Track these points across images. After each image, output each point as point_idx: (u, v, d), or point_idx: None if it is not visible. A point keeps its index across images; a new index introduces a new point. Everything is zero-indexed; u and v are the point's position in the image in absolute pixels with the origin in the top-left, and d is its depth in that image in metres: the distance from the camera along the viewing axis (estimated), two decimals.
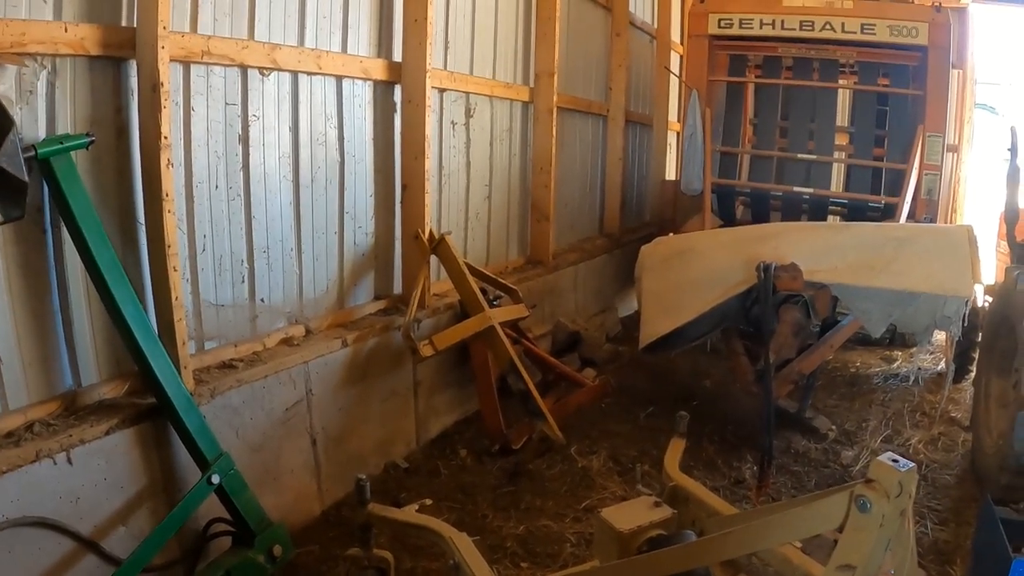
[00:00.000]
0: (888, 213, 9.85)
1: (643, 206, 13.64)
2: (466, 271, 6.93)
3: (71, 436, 4.10)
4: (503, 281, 7.61)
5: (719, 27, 10.88)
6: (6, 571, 3.78)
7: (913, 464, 2.82)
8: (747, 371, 7.35)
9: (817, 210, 10.60)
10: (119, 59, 4.53)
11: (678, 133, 14.31)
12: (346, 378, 6.13)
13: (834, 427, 7.42)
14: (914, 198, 9.69)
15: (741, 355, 7.57)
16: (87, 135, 4.20)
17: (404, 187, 6.96)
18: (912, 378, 9.26)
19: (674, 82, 13.90)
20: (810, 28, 10.36)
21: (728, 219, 10.77)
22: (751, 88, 11.59)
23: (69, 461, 4.09)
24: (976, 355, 8.07)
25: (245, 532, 4.74)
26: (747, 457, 6.82)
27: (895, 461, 2.81)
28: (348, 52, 6.32)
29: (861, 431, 7.53)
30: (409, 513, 5.02)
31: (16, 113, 3.95)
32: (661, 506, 4.18)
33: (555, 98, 9.27)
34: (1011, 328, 6.44)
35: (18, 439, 3.98)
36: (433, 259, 7.03)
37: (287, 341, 5.84)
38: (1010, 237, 7.71)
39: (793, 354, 7.09)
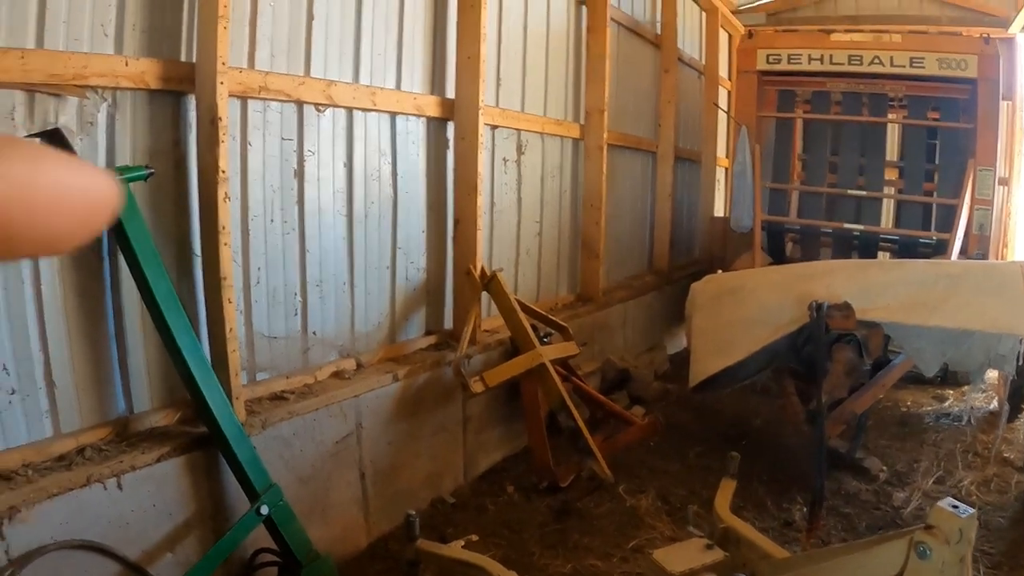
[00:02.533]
0: (939, 249, 9.72)
1: (692, 243, 13.52)
2: (517, 308, 6.87)
3: (122, 462, 4.10)
4: (554, 318, 7.54)
5: (768, 63, 10.89)
6: None
7: (973, 510, 2.73)
8: (798, 411, 7.21)
9: (867, 246, 10.49)
10: (178, 93, 4.58)
11: (726, 169, 14.29)
12: (396, 412, 6.08)
13: (885, 468, 7.22)
14: (965, 233, 9.57)
15: (792, 395, 7.44)
16: (146, 167, 4.25)
17: (456, 223, 6.94)
18: (965, 418, 8.98)
19: (722, 118, 13.87)
20: (859, 63, 10.33)
21: (778, 256, 10.69)
22: (799, 123, 11.47)
23: (119, 487, 4.08)
24: None
25: (292, 563, 4.69)
26: (797, 498, 6.64)
27: (955, 507, 2.73)
28: (402, 89, 6.34)
29: (912, 472, 7.31)
30: (457, 550, 4.95)
31: (77, 144, 4.00)
32: (713, 548, 4.10)
33: (605, 135, 9.23)
34: None
35: (69, 463, 3.98)
36: (484, 294, 6.97)
37: (338, 374, 5.80)
38: None
39: (845, 394, 6.94)
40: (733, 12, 14.92)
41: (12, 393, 3.87)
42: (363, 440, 5.78)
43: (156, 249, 4.22)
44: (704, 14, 13.71)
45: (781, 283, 7.53)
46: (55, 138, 3.83)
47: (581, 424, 6.62)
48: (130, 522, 4.14)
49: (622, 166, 10.44)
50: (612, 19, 9.43)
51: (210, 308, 4.72)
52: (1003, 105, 10.11)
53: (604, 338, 9.51)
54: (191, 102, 4.62)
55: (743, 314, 7.38)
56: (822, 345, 6.59)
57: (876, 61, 10.26)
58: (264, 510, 4.48)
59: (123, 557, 4.06)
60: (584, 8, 9.11)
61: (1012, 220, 12.15)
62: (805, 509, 6.34)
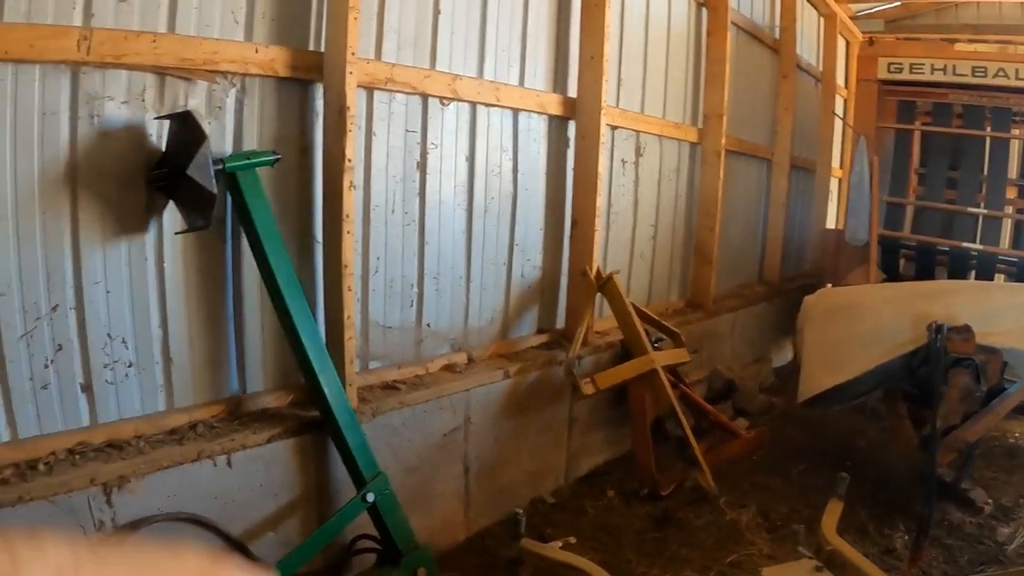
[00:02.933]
0: None
1: (802, 254, 13.03)
2: (632, 311, 6.67)
3: (233, 440, 4.12)
4: (667, 324, 7.31)
5: (889, 71, 10.50)
6: None
7: None
8: (909, 435, 6.85)
9: (985, 267, 9.98)
10: (306, 81, 4.56)
11: (840, 179, 13.85)
12: (504, 409, 5.95)
13: (991, 501, 6.78)
14: None
15: (904, 418, 7.06)
16: (273, 153, 4.25)
17: (574, 223, 6.78)
18: None
19: (838, 126, 13.42)
20: (983, 75, 9.88)
21: (891, 272, 10.27)
22: (918, 136, 10.94)
23: (229, 464, 4.10)
24: None
25: (392, 551, 4.62)
26: (899, 525, 6.26)
27: None
28: (525, 85, 6.22)
29: (1018, 508, 6.79)
30: (560, 552, 4.85)
31: (206, 127, 3.95)
32: (823, 572, 3.91)
33: (723, 140, 8.94)
34: None
35: (181, 437, 4.03)
36: (597, 296, 6.80)
37: (450, 367, 5.73)
38: None
39: (958, 420, 6.55)
40: (851, 18, 14.45)
41: (129, 366, 3.92)
42: (470, 434, 5.67)
43: (279, 233, 4.22)
44: (822, 19, 13.18)
45: (898, 301, 7.20)
46: (185, 121, 3.82)
47: (689, 433, 6.41)
48: (236, 499, 4.15)
49: (737, 172, 10.10)
50: (732, 22, 9.13)
51: (329, 295, 4.70)
52: None
53: (712, 346, 9.23)
54: (318, 91, 4.60)
55: (857, 331, 7.07)
56: (939, 368, 6.25)
57: (1001, 73, 9.79)
58: (370, 497, 4.44)
59: (226, 532, 4.08)
60: (705, 10, 8.84)
61: None
62: (907, 537, 6.02)
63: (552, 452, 6.59)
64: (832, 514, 5.60)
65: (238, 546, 4.13)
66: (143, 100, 3.84)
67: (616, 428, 7.22)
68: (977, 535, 6.27)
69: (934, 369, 6.21)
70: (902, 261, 10.70)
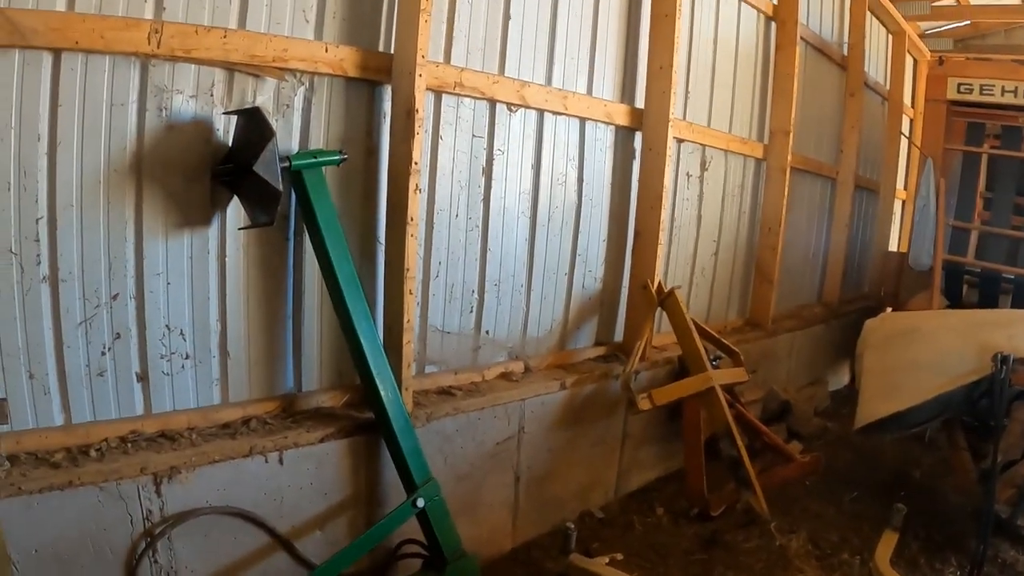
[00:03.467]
0: None
1: (862, 277, 12.69)
2: (693, 328, 6.53)
3: (286, 438, 4.12)
4: (726, 342, 7.15)
5: (958, 92, 10.24)
6: (199, 554, 3.82)
7: None
8: (969, 468, 6.62)
9: None
10: (374, 82, 4.55)
11: (903, 201, 13.57)
12: (559, 420, 5.85)
13: None
14: None
15: (963, 450, 6.83)
16: (340, 152, 4.25)
17: (637, 235, 6.66)
18: None
19: (903, 147, 13.16)
20: None
21: (954, 299, 10.00)
22: (986, 159, 10.65)
23: (280, 461, 4.10)
24: None
25: (437, 558, 4.58)
26: (952, 560, 6.04)
27: None
28: (593, 95, 6.13)
29: None
30: (607, 568, 4.75)
31: (274, 124, 3.96)
32: None
33: (789, 157, 8.73)
34: None
35: (234, 432, 4.05)
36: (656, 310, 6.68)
37: (506, 376, 5.65)
38: None
39: (1019, 455, 6.36)
40: (920, 36, 14.16)
41: (186, 358, 3.95)
42: (523, 444, 5.58)
43: (342, 233, 4.20)
44: (891, 37, 12.90)
45: (961, 329, 6.97)
46: (253, 117, 3.82)
47: (744, 454, 6.25)
48: (285, 496, 4.15)
49: (801, 191, 9.87)
50: (801, 37, 8.93)
51: (389, 297, 4.66)
52: None
53: (769, 367, 9.02)
54: (386, 92, 4.58)
55: (918, 358, 6.85)
56: (1003, 400, 6.05)
57: None
58: (420, 503, 4.41)
59: (272, 529, 4.09)
60: (774, 24, 8.65)
61: None
62: (959, 573, 5.83)
63: (603, 466, 6.48)
64: (886, 545, 5.44)
65: (285, 544, 4.14)
66: (211, 95, 3.85)
67: (669, 445, 7.08)
68: None
69: (997, 401, 5.98)
70: (965, 288, 10.39)
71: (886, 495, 6.36)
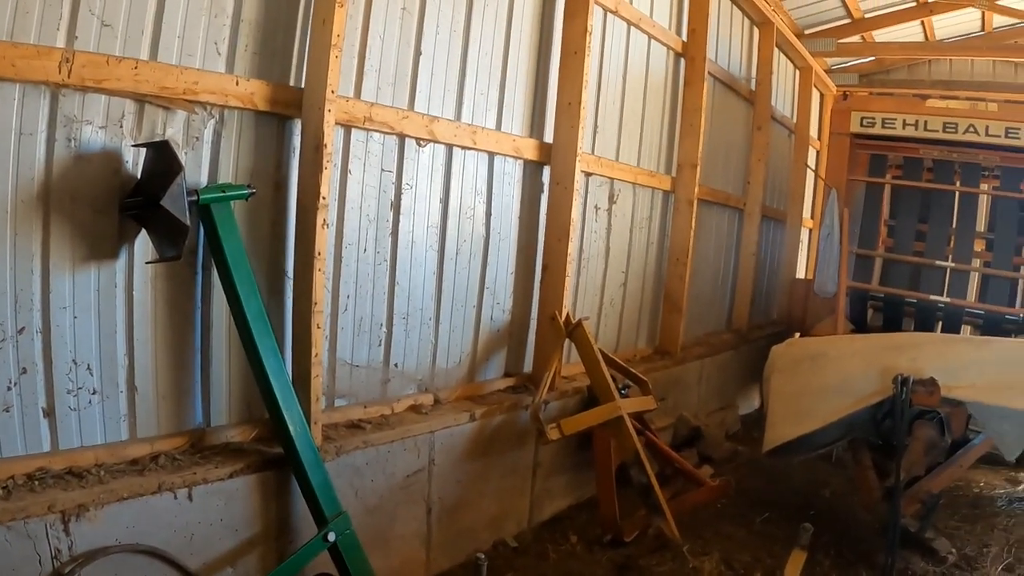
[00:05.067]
0: None
1: (771, 303, 13.18)
2: (600, 358, 6.72)
3: (195, 473, 4.10)
4: (634, 371, 7.35)
5: (861, 126, 10.71)
6: None
7: None
8: (874, 486, 6.91)
9: (951, 320, 10.17)
10: (284, 117, 4.62)
11: (810, 230, 14.00)
12: (469, 451, 5.95)
13: (954, 550, 6.82)
14: None
15: (869, 468, 7.13)
16: (248, 187, 4.30)
17: (545, 267, 6.84)
18: None
19: (809, 178, 13.61)
20: (953, 130, 10.13)
21: (859, 323, 10.43)
22: (888, 189, 11.15)
23: (189, 498, 4.07)
24: None
25: None
26: (863, 575, 6.38)
27: None
28: (502, 130, 6.31)
29: (982, 557, 6.87)
30: None
31: (182, 157, 3.99)
32: None
33: (696, 189, 9.07)
34: None
35: (143, 468, 4.01)
36: (565, 341, 6.83)
37: (416, 408, 5.73)
38: None
39: (922, 471, 6.64)
40: (826, 71, 14.69)
41: (93, 393, 3.91)
42: (433, 476, 5.66)
43: (250, 268, 4.24)
44: (798, 72, 13.47)
45: (865, 353, 7.32)
46: (162, 150, 3.85)
47: (654, 480, 6.43)
48: (195, 533, 4.13)
49: (709, 221, 10.24)
50: (709, 73, 9.30)
51: (297, 331, 4.70)
52: None
53: (679, 393, 9.27)
54: (296, 126, 4.66)
55: (824, 382, 7.17)
56: (904, 420, 6.35)
57: (971, 130, 10.02)
58: (331, 537, 4.44)
59: (183, 567, 4.05)
60: (683, 61, 9.00)
61: None
62: None
63: (516, 496, 6.59)
64: (795, 565, 5.64)
65: None
66: (121, 126, 3.86)
67: (580, 473, 7.23)
68: None
69: (899, 421, 6.33)
70: (870, 312, 10.86)
71: (796, 515, 6.59)
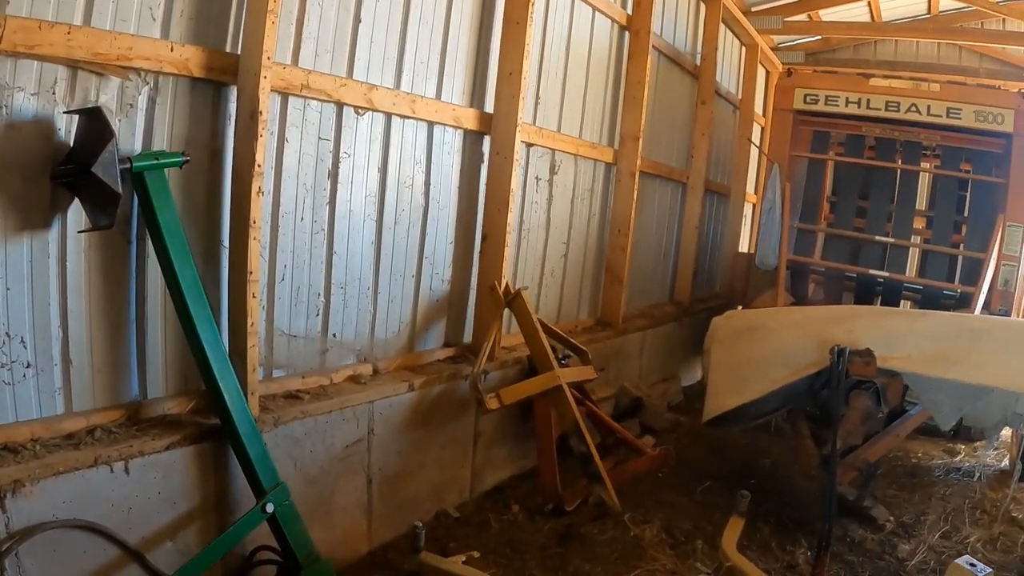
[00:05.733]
0: (963, 302, 9.71)
1: (714, 277, 13.40)
2: (539, 328, 6.81)
3: (131, 446, 4.09)
4: (573, 341, 7.47)
5: (805, 102, 10.90)
6: (48, 570, 3.75)
7: (990, 570, 2.64)
8: (811, 454, 7.12)
9: (891, 294, 10.45)
10: (220, 83, 4.58)
11: (754, 205, 14.19)
12: (409, 421, 6.01)
13: (892, 518, 7.05)
14: (990, 288, 9.52)
15: (806, 438, 7.33)
16: (182, 154, 4.27)
17: (484, 238, 6.89)
18: (975, 474, 8.79)
19: (754, 153, 13.78)
20: (895, 109, 10.36)
21: (800, 296, 10.63)
22: (831, 165, 11.44)
23: (126, 471, 4.07)
24: None
25: (291, 564, 4.66)
26: (802, 542, 6.52)
27: (972, 565, 2.66)
28: (442, 99, 6.32)
29: (919, 524, 7.13)
30: (460, 566, 4.89)
31: (115, 125, 3.98)
32: None
33: (638, 162, 9.17)
34: None
35: (78, 442, 3.99)
36: (505, 312, 6.91)
37: (354, 378, 5.76)
38: None
39: (859, 441, 6.85)
40: (772, 49, 14.87)
41: (27, 367, 3.88)
42: (373, 446, 5.72)
43: (184, 237, 4.23)
44: (744, 48, 13.65)
45: (803, 325, 7.47)
46: (94, 117, 3.81)
47: (593, 450, 6.55)
48: (133, 507, 4.13)
49: (651, 194, 10.37)
50: (654, 46, 9.38)
51: (233, 301, 4.70)
52: None
53: (620, 365, 9.42)
54: (232, 93, 4.63)
55: (762, 353, 7.30)
56: (840, 390, 6.51)
57: (913, 109, 10.25)
58: (269, 508, 4.47)
59: (122, 541, 4.05)
60: (627, 34, 9.07)
61: None
62: (810, 553, 6.27)
63: (457, 466, 6.67)
64: (732, 531, 5.76)
65: (135, 555, 4.11)
66: (54, 93, 3.82)
67: (522, 443, 7.33)
68: (878, 552, 6.57)
69: (835, 391, 6.48)
70: (811, 286, 11.11)
71: (737, 484, 6.71)
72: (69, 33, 3.75)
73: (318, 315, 5.49)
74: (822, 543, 5.95)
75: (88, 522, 3.89)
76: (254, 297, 4.64)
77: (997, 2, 12.83)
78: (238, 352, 4.65)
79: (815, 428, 7.35)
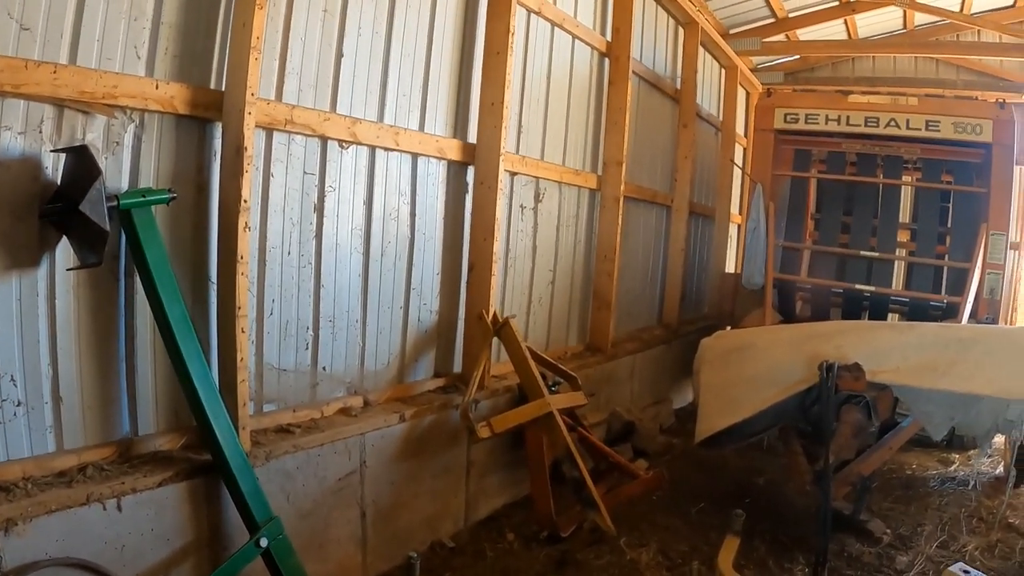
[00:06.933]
0: (950, 312, 9.77)
1: (702, 298, 13.51)
2: (528, 356, 6.85)
3: (123, 483, 4.09)
4: (563, 367, 7.51)
5: (785, 122, 11.01)
6: None
7: None
8: (805, 471, 7.14)
9: (878, 308, 10.51)
10: (205, 120, 4.64)
11: (739, 225, 14.31)
12: (401, 452, 6.03)
13: (889, 531, 7.08)
14: (976, 297, 9.60)
15: (799, 454, 7.36)
16: (169, 191, 4.31)
17: (471, 267, 6.94)
18: (970, 482, 8.83)
19: (737, 174, 13.92)
20: (875, 124, 10.48)
21: (788, 314, 10.71)
22: (814, 183, 11.54)
23: (119, 508, 4.06)
24: None
25: None
26: (799, 558, 6.54)
27: (966, 572, 2.70)
28: (425, 131, 6.40)
29: (916, 536, 7.16)
30: None
31: (102, 162, 4.02)
32: None
33: (622, 187, 9.26)
34: None
35: (70, 480, 3.99)
36: (494, 340, 6.95)
37: (345, 411, 5.78)
38: None
39: (852, 455, 6.88)
40: (752, 70, 15.05)
41: (18, 405, 3.88)
42: (366, 478, 5.72)
43: (172, 273, 4.26)
44: (723, 71, 13.85)
45: (791, 342, 7.52)
46: (81, 155, 3.86)
47: (586, 475, 6.56)
48: (127, 544, 4.12)
49: (636, 218, 10.47)
50: (634, 72, 9.51)
51: (222, 336, 4.73)
52: (1017, 170, 10.24)
53: (611, 389, 9.46)
54: (217, 130, 4.68)
55: (752, 372, 7.34)
56: (831, 406, 6.56)
57: (892, 124, 10.38)
58: (264, 542, 4.47)
59: None
60: (607, 60, 9.20)
61: (1023, 285, 12.17)
62: (807, 570, 6.30)
63: (450, 495, 6.68)
64: (728, 550, 5.78)
65: None
66: (40, 132, 3.85)
67: (515, 471, 7.34)
68: (876, 565, 6.59)
69: (825, 407, 6.53)
70: (799, 303, 11.18)
71: (732, 503, 6.72)
72: (55, 72, 3.79)
73: (307, 348, 5.52)
74: (819, 559, 6.03)
75: (81, 560, 3.87)
76: (243, 332, 4.67)
77: (971, 14, 13.05)
78: (228, 387, 4.67)
79: (807, 444, 7.37)
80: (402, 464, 6.06)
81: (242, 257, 4.61)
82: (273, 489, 4.82)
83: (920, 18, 14.13)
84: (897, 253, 10.96)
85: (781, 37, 13.87)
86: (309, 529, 5.23)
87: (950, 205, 10.78)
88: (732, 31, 13.45)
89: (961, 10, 13.24)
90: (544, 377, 7.02)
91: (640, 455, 8.88)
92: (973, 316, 9.52)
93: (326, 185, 5.50)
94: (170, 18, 4.38)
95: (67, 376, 4.08)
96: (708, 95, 13.08)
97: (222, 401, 4.46)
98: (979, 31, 13.96)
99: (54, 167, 3.92)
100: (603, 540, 6.55)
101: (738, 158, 14.07)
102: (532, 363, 6.86)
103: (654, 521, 7.19)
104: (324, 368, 5.67)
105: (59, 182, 3.91)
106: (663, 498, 7.66)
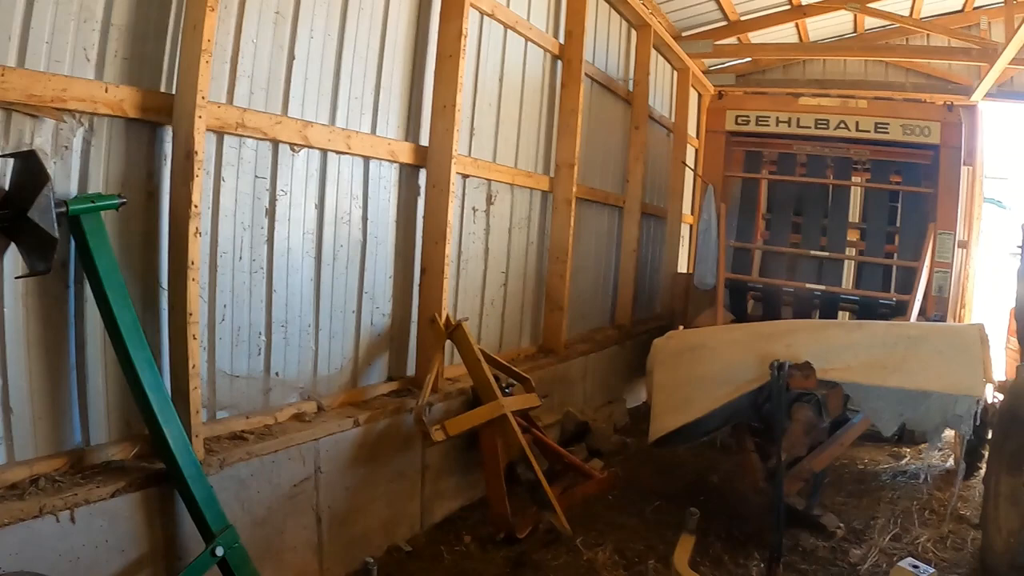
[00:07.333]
0: (899, 310, 9.92)
1: (654, 298, 13.63)
2: (481, 358, 6.88)
3: (76, 495, 4.04)
4: (517, 369, 7.54)
5: (736, 124, 11.15)
6: None
7: (933, 570, 2.73)
8: (757, 468, 7.25)
9: (828, 306, 10.65)
10: (155, 124, 4.60)
11: (691, 226, 14.42)
12: (355, 458, 6.01)
13: (842, 525, 7.22)
14: (925, 295, 9.80)
15: (751, 452, 7.47)
16: (119, 196, 4.26)
17: (423, 271, 6.95)
18: (921, 476, 9.04)
19: (689, 175, 14.05)
20: (825, 127, 10.66)
21: (739, 314, 10.86)
22: (765, 184, 11.70)
23: (72, 520, 4.01)
24: (986, 452, 7.91)
25: None
26: (754, 554, 6.63)
27: (915, 567, 2.74)
28: (377, 133, 6.39)
29: (869, 529, 7.31)
30: None
31: (50, 167, 3.96)
32: None
33: (574, 189, 9.32)
34: (1022, 426, 6.33)
35: (22, 492, 3.93)
36: (448, 343, 6.96)
37: (299, 417, 5.75)
38: (1020, 334, 7.77)
39: (804, 452, 6.97)
40: (704, 72, 15.19)
41: None
42: (321, 484, 5.70)
43: (123, 280, 4.22)
44: (676, 73, 13.99)
45: (743, 342, 7.62)
46: (29, 161, 3.81)
47: (541, 476, 6.60)
48: (81, 556, 4.06)
49: (589, 220, 10.53)
50: (586, 74, 9.58)
51: (173, 343, 4.68)
52: (964, 171, 10.44)
53: (564, 390, 9.51)
54: (167, 134, 4.64)
55: (704, 371, 7.43)
56: (782, 404, 6.65)
57: (842, 126, 10.57)
58: (219, 551, 4.44)
59: None
60: (560, 63, 9.24)
61: (970, 283, 12.49)
62: (762, 565, 6.39)
63: (406, 499, 6.67)
64: (684, 548, 5.83)
65: None
66: None
67: (470, 474, 7.35)
68: (830, 558, 6.73)
69: (777, 405, 6.62)
70: (750, 303, 11.34)
71: (687, 502, 6.75)
72: (2, 74, 3.73)
73: (260, 354, 5.49)
74: (773, 554, 6.12)
75: (36, 573, 3.81)
76: (195, 339, 4.63)
77: (920, 19, 13.26)
78: (180, 394, 4.62)
79: (760, 442, 7.49)
80: (357, 469, 6.04)
81: (193, 263, 4.56)
82: (228, 497, 4.78)
83: (870, 22, 14.41)
84: (847, 252, 11.14)
85: (733, 40, 14.05)
86: (265, 537, 5.20)
87: (899, 205, 10.99)
88: (685, 33, 13.61)
89: (911, 14, 13.52)
90: (498, 379, 7.06)
91: (595, 455, 8.94)
92: (922, 314, 9.71)
93: (277, 189, 5.48)
94: (120, 20, 4.34)
95: (17, 386, 4.01)
96: (660, 97, 13.20)
97: (174, 409, 4.42)
98: (928, 35, 14.22)
99: (1, 172, 3.86)
100: (559, 540, 6.60)
101: (690, 159, 14.22)
102: (485, 365, 6.89)
103: (610, 520, 7.26)
104: (277, 374, 5.64)
105: (6, 188, 3.85)
106: (618, 497, 7.74)
